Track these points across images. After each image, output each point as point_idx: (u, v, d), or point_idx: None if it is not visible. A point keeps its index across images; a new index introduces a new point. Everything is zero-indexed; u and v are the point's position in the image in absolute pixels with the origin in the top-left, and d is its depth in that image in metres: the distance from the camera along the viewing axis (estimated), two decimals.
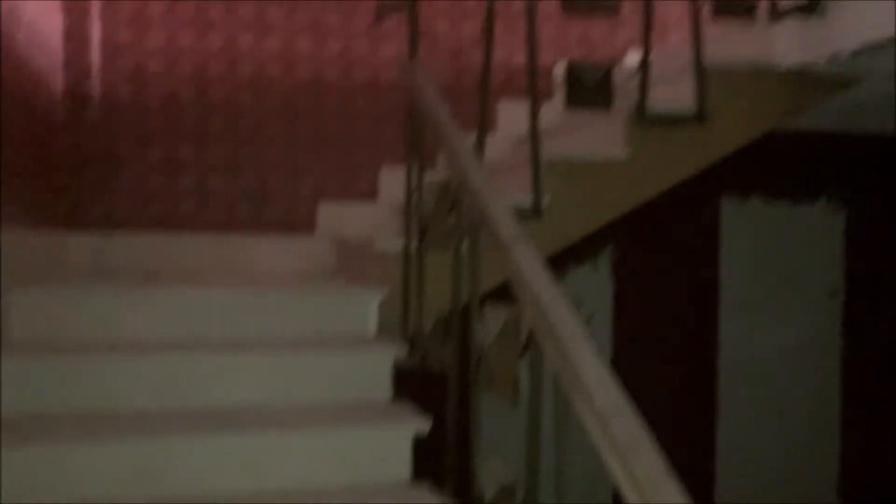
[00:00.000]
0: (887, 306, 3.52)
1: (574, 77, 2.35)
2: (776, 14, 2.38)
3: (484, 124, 2.40)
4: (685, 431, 3.38)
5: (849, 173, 3.48)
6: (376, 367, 2.07)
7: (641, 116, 2.35)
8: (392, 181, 3.19)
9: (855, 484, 3.51)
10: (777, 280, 3.45)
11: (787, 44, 2.41)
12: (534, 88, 2.24)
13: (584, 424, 1.08)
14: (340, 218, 3.13)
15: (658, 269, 3.36)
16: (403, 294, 2.16)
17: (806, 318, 3.48)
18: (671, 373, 3.40)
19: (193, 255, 2.95)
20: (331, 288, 2.44)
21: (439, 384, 1.87)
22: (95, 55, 2.95)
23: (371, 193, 3.26)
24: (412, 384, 2.08)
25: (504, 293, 1.53)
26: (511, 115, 3.34)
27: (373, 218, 3.15)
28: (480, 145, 2.43)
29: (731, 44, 2.50)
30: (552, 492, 1.30)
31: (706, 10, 2.38)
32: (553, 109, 2.99)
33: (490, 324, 1.63)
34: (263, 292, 2.23)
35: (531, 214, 2.32)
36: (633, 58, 3.46)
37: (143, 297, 2.15)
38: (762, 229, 3.43)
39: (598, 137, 2.48)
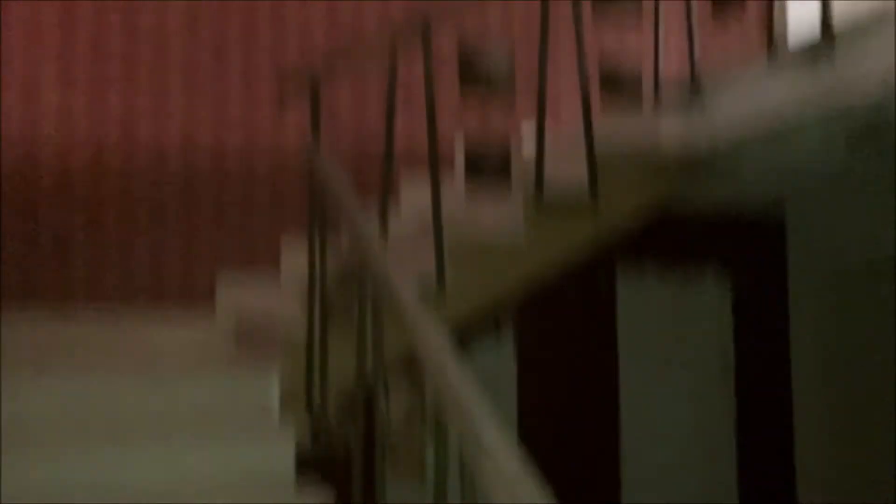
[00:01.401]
0: (775, 379, 3.71)
1: (473, 156, 2.43)
2: (660, 106, 2.56)
3: (386, 205, 2.44)
4: (591, 496, 3.42)
5: (732, 254, 3.71)
6: (279, 457, 2.03)
7: (538, 201, 2.45)
8: (295, 250, 3.16)
9: None
10: (673, 353, 3.60)
11: (671, 132, 2.58)
12: (436, 187, 2.31)
13: (491, 494, 1.10)
14: (242, 289, 3.07)
15: (560, 340, 3.45)
16: (307, 375, 2.14)
17: (700, 389, 3.64)
18: (576, 440, 3.46)
19: (87, 335, 2.83)
20: (231, 369, 2.39)
21: (344, 468, 1.86)
22: None
23: (274, 260, 3.21)
24: (317, 469, 2.05)
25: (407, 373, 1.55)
26: (413, 188, 3.40)
27: (276, 288, 3.11)
28: (384, 222, 2.48)
29: (620, 130, 2.66)
30: None
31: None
32: (455, 181, 3.07)
33: (395, 408, 1.64)
34: (162, 378, 2.17)
35: (435, 288, 2.36)
36: (528, 127, 3.58)
37: (31, 385, 2.07)
38: (657, 305, 3.59)
39: (498, 215, 2.56)
